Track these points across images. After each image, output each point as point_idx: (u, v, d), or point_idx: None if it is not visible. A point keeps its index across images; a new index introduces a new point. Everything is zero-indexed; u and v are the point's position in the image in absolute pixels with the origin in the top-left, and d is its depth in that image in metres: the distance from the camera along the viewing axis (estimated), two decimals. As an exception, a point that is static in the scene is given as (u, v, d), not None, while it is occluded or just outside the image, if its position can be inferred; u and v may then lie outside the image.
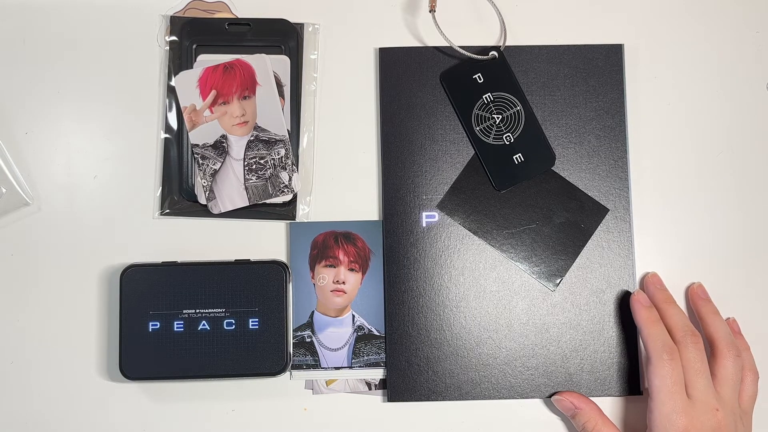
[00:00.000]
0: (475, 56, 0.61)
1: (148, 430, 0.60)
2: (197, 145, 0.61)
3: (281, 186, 0.61)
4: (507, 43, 0.62)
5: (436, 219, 0.61)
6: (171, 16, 0.63)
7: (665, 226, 0.62)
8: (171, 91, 0.62)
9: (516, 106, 0.61)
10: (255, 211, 0.61)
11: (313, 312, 0.60)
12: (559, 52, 0.62)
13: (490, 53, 0.62)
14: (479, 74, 0.62)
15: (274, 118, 0.61)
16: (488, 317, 0.60)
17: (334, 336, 0.60)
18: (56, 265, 0.61)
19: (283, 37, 0.62)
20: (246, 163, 0.61)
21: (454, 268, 0.60)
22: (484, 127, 0.61)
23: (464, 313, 0.60)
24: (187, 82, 0.61)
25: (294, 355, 0.60)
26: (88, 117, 0.62)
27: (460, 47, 0.61)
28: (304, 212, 0.61)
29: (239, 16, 0.63)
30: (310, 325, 0.60)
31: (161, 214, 0.61)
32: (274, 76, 0.61)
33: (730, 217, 0.62)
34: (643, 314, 0.58)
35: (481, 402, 0.60)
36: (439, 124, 0.62)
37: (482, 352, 0.60)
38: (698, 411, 0.54)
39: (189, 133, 0.61)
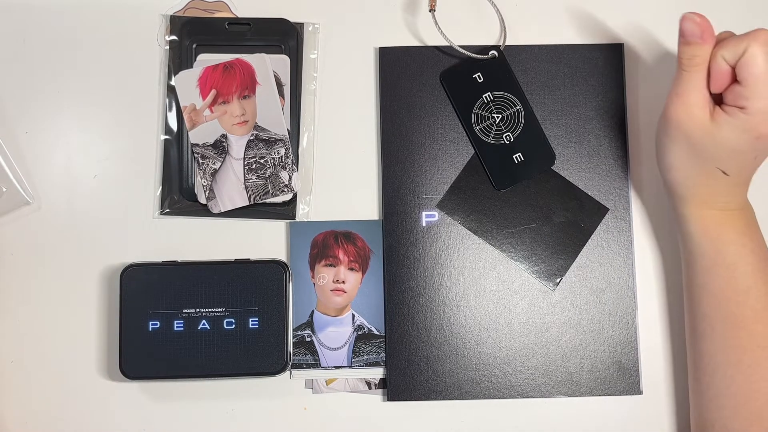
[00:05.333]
0: (475, 56, 0.61)
1: (148, 430, 0.60)
2: (197, 145, 0.61)
3: (281, 185, 0.61)
4: (507, 43, 0.62)
5: (436, 218, 0.61)
6: (171, 16, 0.63)
7: (665, 225, 0.62)
8: (171, 91, 0.62)
9: (516, 106, 0.61)
10: (255, 210, 0.61)
11: (313, 311, 0.60)
12: (559, 51, 0.62)
13: (490, 53, 0.62)
14: (479, 74, 0.62)
15: (274, 117, 0.61)
16: (488, 317, 0.60)
17: (334, 335, 0.60)
18: (56, 264, 0.61)
19: (283, 36, 0.62)
20: (246, 162, 0.61)
21: (454, 268, 0.60)
22: (484, 127, 0.61)
23: (464, 313, 0.60)
24: (187, 81, 0.61)
25: (294, 355, 0.60)
26: (88, 117, 0.62)
27: (460, 47, 0.61)
28: (304, 212, 0.61)
29: (239, 16, 0.63)
30: (310, 324, 0.60)
31: (161, 213, 0.61)
32: (274, 76, 0.61)
33: (730, 216, 0.62)
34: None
35: (481, 402, 0.60)
36: (439, 123, 0.62)
37: (482, 352, 0.60)
38: None
39: (189, 133, 0.61)
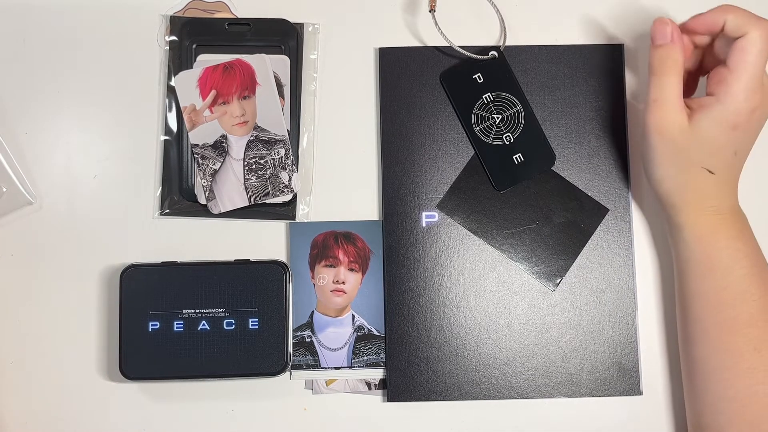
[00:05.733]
0: (475, 56, 0.61)
1: (148, 430, 0.60)
2: (197, 145, 0.61)
3: (281, 186, 0.61)
4: (507, 43, 0.62)
5: (436, 219, 0.61)
6: (171, 16, 0.63)
7: (665, 226, 0.62)
8: (171, 91, 0.62)
9: (516, 106, 0.61)
10: (255, 211, 0.61)
11: (313, 312, 0.60)
12: (559, 52, 0.62)
13: (490, 53, 0.62)
14: (479, 74, 0.62)
15: (274, 118, 0.61)
16: (488, 317, 0.60)
17: (334, 336, 0.60)
18: (56, 264, 0.61)
19: (283, 37, 0.62)
20: (246, 163, 0.61)
21: (454, 268, 0.60)
22: (484, 127, 0.61)
23: (464, 313, 0.60)
24: (187, 82, 0.61)
25: (294, 355, 0.60)
26: (88, 117, 0.62)
27: (460, 47, 0.61)
28: (304, 212, 0.61)
29: (239, 16, 0.63)
30: (310, 325, 0.60)
31: (161, 214, 0.61)
32: (274, 76, 0.61)
33: (730, 217, 0.62)
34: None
35: (481, 402, 0.60)
36: (439, 124, 0.62)
37: (482, 352, 0.60)
38: None
39: (189, 133, 0.61)
